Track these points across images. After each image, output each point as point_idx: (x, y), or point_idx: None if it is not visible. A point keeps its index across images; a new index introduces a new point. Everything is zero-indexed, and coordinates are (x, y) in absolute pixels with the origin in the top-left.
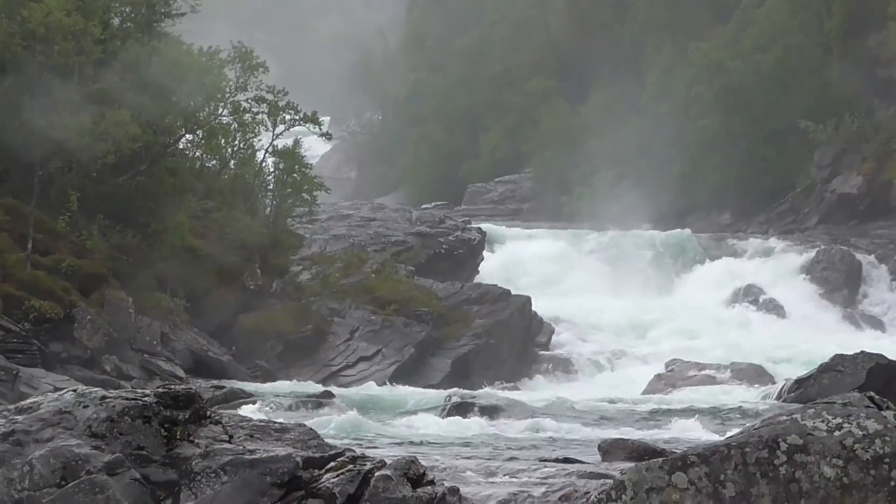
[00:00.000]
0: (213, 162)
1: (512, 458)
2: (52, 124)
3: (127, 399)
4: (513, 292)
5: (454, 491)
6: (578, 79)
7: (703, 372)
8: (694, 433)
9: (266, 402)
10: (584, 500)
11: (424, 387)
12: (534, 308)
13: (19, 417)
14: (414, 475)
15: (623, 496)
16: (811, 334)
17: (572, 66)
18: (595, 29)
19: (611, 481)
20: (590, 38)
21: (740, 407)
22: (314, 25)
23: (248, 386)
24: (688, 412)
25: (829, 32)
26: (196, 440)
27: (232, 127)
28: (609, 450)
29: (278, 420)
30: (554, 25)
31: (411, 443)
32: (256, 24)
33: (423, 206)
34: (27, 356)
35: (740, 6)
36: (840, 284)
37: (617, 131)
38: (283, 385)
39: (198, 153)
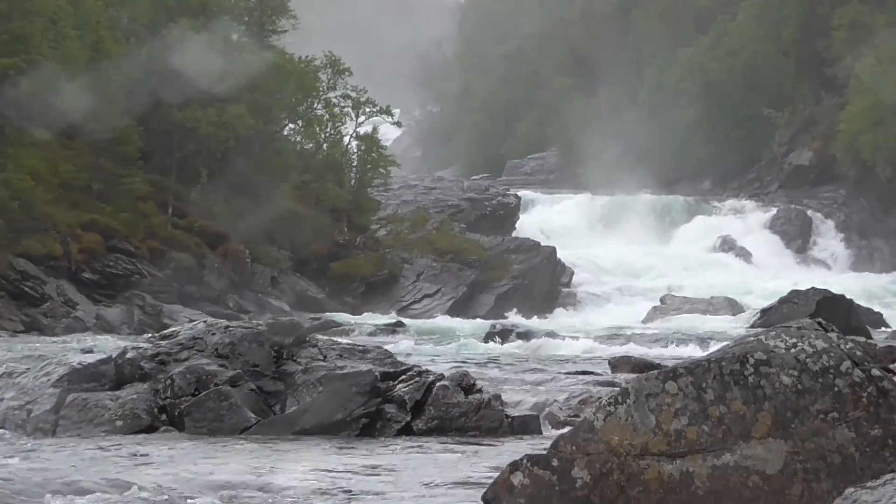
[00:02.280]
0: (310, 145)
1: (542, 371)
2: (187, 117)
3: (245, 328)
4: (542, 244)
5: (497, 397)
6: (591, 78)
7: (690, 304)
8: (682, 351)
9: (352, 329)
10: (598, 403)
11: (474, 317)
12: (558, 256)
13: (163, 343)
14: (466, 385)
15: (627, 400)
16: (773, 274)
17: (587, 68)
18: (604, 39)
19: (618, 388)
20: (600, 47)
21: (718, 331)
22: (387, 37)
23: (339, 317)
24: (677, 335)
25: (786, 40)
26: (298, 359)
27: (324, 118)
28: (617, 364)
29: (361, 343)
30: (572, 37)
31: (464, 360)
32: (342, 36)
33: (473, 177)
34: (169, 295)
35: (717, 20)
36: (795, 235)
37: (621, 118)
38: (365, 316)
39: (298, 138)
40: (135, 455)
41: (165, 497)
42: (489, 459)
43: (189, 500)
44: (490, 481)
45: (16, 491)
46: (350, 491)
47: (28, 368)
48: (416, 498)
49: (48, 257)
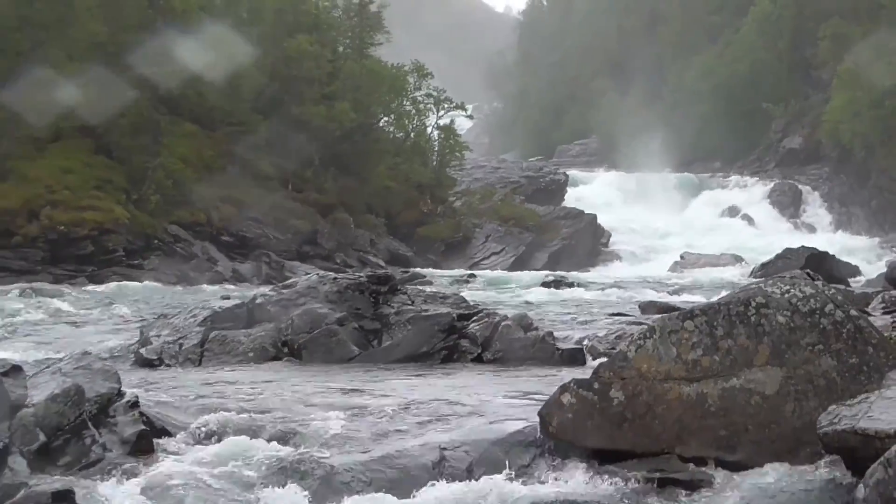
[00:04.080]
0: (400, 134)
1: (585, 313)
2: (302, 112)
3: (349, 279)
4: (585, 212)
5: (549, 334)
6: (624, 80)
7: (704, 260)
8: (698, 297)
9: (434, 281)
10: (630, 338)
11: (531, 270)
12: (598, 221)
13: (284, 291)
14: (525, 324)
15: (654, 335)
16: (771, 236)
17: (620, 72)
18: (635, 49)
19: (646, 326)
20: (631, 55)
21: (726, 281)
22: (462, 48)
23: (424, 271)
24: (694, 284)
25: (781, 48)
26: (391, 304)
27: (411, 112)
28: (645, 308)
29: (441, 291)
30: (608, 47)
31: (523, 304)
32: (426, 47)
33: (530, 159)
34: (288, 253)
35: (724, 33)
36: (788, 204)
37: (648, 112)
38: (444, 270)
39: (391, 129)
40: (265, 379)
41: (295, 405)
42: (543, 383)
43: (314, 408)
44: (545, 401)
45: (173, 407)
46: (437, 399)
47: (179, 311)
48: (488, 409)
49: (195, 224)
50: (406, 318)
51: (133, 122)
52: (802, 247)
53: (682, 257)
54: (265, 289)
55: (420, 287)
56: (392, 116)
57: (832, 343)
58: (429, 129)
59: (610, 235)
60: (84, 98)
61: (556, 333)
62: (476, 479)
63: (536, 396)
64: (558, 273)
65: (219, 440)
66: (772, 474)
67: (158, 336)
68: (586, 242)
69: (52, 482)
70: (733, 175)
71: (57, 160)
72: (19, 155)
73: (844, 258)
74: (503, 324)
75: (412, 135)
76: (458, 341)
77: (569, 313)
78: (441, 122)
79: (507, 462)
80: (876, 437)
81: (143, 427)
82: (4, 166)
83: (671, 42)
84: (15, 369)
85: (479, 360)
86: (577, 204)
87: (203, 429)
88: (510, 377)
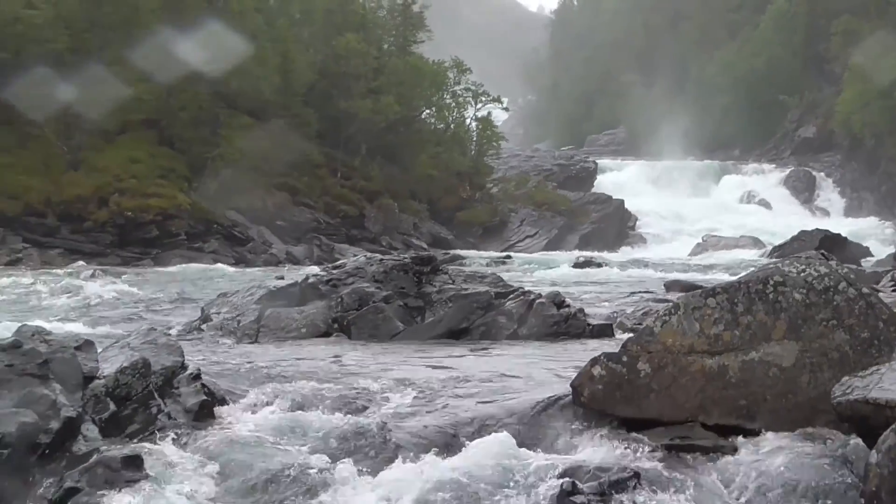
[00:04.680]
0: (441, 125)
1: (614, 291)
2: (350, 106)
3: (394, 260)
4: (613, 197)
5: (581, 310)
6: (650, 74)
7: (724, 242)
8: (719, 276)
9: (473, 262)
10: (656, 314)
11: (563, 252)
12: (626, 206)
13: (334, 271)
14: (558, 302)
15: (678, 311)
16: (787, 219)
17: (646, 66)
18: (660, 45)
19: (671, 303)
20: (656, 50)
21: (745, 261)
22: (498, 45)
23: (463, 253)
24: (715, 265)
25: (796, 44)
26: (433, 283)
27: (451, 105)
28: (670, 286)
29: (480, 271)
30: (635, 43)
31: (556, 283)
32: (465, 43)
33: (562, 148)
34: (338, 237)
35: (743, 30)
36: (803, 189)
37: (672, 104)
38: (482, 252)
39: (432, 120)
40: (318, 353)
41: (347, 377)
42: (575, 356)
43: (366, 379)
44: (576, 372)
45: (233, 378)
46: (478, 371)
47: (238, 290)
48: (524, 380)
49: (251, 209)
50: (447, 296)
51: (193, 116)
52: (816, 229)
53: (703, 239)
54: (316, 269)
55: (460, 268)
56: (433, 109)
57: (845, 319)
58: (467, 121)
59: (637, 219)
60: (148, 93)
61: (586, 310)
62: (515, 445)
63: (569, 369)
64: (588, 254)
65: (277, 410)
66: (788, 441)
67: (218, 313)
68: (614, 226)
69: (121, 448)
70: (752, 162)
71: (124, 151)
72: (90, 146)
73: (856, 240)
74: (537, 301)
75: (452, 126)
76: (495, 318)
77: (598, 291)
78: (479, 115)
79: (543, 429)
80: (887, 407)
81: (205, 397)
82: (77, 157)
83: (694, 38)
84: (87, 344)
85: (515, 335)
86: (606, 190)
87: (262, 399)
88: (544, 351)
